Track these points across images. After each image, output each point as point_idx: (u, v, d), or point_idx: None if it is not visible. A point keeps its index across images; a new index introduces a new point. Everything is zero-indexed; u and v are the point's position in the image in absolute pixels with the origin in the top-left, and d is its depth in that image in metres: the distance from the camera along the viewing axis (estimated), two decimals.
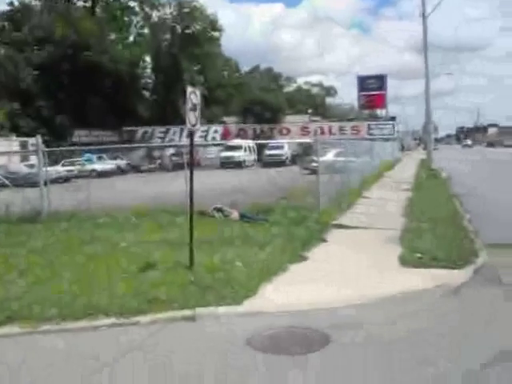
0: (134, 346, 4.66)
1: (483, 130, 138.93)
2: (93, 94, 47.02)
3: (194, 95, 6.90)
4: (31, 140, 24.63)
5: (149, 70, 59.78)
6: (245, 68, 77.81)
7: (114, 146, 37.11)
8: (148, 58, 58.84)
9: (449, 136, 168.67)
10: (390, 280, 6.43)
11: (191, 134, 7.25)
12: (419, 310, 5.50)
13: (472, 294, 6.06)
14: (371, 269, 6.97)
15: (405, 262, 7.18)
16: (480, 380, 3.88)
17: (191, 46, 54.25)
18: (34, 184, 12.52)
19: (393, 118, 59.94)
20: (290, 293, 6.01)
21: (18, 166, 23.83)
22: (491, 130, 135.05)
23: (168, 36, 56.69)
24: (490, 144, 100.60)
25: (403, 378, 3.89)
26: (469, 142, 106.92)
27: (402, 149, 66.58)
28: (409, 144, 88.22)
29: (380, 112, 65.57)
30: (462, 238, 8.57)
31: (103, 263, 7.17)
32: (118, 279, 6.35)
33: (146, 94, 59.62)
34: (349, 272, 6.82)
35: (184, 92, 6.88)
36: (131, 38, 58.88)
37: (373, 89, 62.33)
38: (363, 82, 63.95)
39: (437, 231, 8.99)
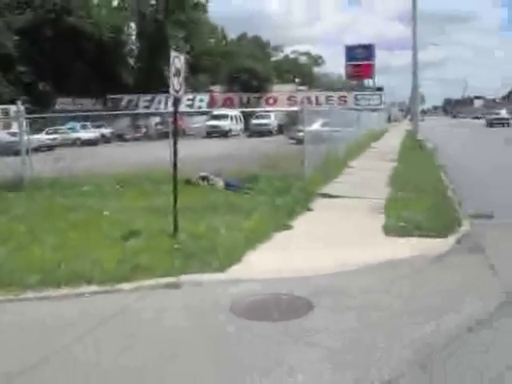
0: (116, 314, 4.64)
1: (470, 102, 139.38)
2: (75, 61, 46.00)
3: (177, 60, 6.74)
4: (13, 107, 24.07)
5: (133, 37, 58.53)
6: (232, 36, 76.68)
7: (97, 113, 36.37)
8: (133, 25, 57.53)
9: (436, 108, 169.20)
10: (373, 248, 6.45)
11: (176, 101, 7.12)
12: (400, 276, 5.52)
13: (453, 262, 6.08)
14: (355, 237, 7.00)
15: (388, 230, 7.20)
16: (463, 344, 3.93)
17: (177, 11, 53.13)
18: (16, 152, 12.28)
19: (380, 89, 59.56)
20: (274, 260, 6.02)
21: None
22: (477, 103, 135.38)
23: (153, 1, 55.41)
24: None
25: (385, 341, 3.93)
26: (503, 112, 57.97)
27: (389, 120, 66.62)
28: (395, 115, 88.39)
29: (367, 82, 65.21)
30: (445, 207, 8.60)
31: (86, 230, 7.10)
32: (101, 246, 6.29)
33: (131, 61, 58.47)
34: (333, 240, 6.84)
35: (169, 59, 6.73)
36: (115, 3, 57.39)
37: (361, 58, 61.84)
38: (351, 52, 63.36)
39: (421, 201, 8.99)
